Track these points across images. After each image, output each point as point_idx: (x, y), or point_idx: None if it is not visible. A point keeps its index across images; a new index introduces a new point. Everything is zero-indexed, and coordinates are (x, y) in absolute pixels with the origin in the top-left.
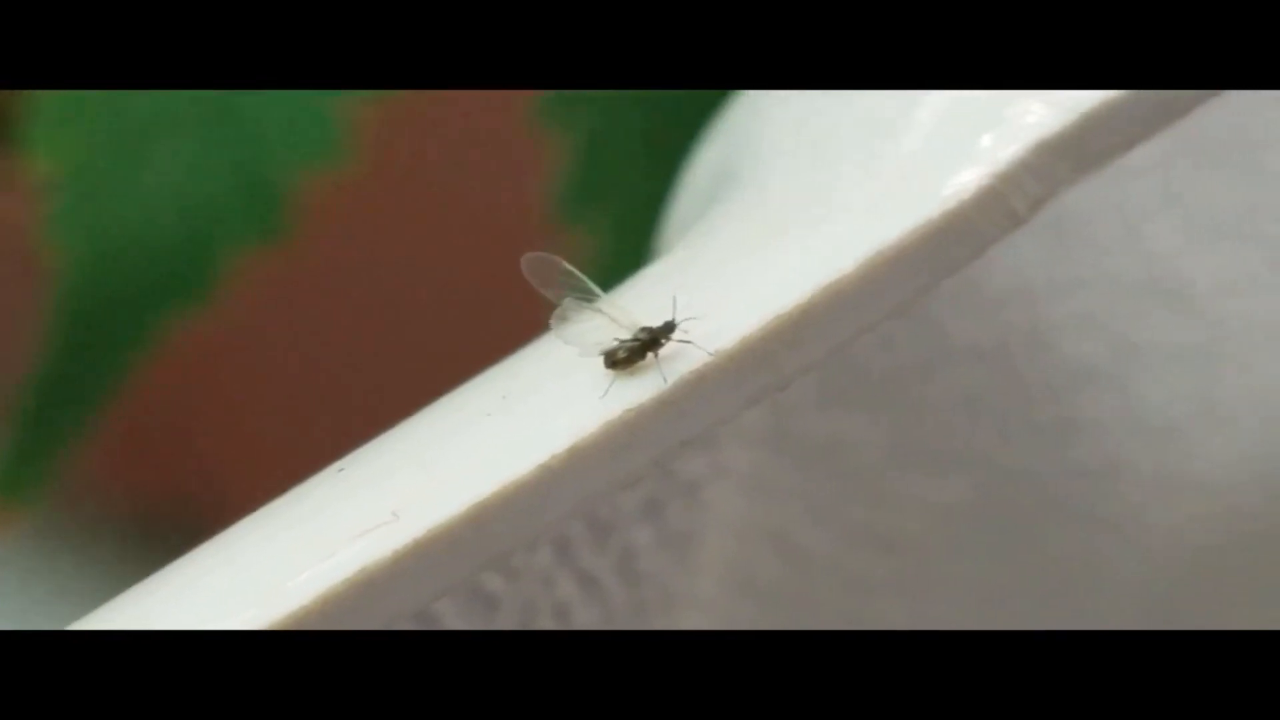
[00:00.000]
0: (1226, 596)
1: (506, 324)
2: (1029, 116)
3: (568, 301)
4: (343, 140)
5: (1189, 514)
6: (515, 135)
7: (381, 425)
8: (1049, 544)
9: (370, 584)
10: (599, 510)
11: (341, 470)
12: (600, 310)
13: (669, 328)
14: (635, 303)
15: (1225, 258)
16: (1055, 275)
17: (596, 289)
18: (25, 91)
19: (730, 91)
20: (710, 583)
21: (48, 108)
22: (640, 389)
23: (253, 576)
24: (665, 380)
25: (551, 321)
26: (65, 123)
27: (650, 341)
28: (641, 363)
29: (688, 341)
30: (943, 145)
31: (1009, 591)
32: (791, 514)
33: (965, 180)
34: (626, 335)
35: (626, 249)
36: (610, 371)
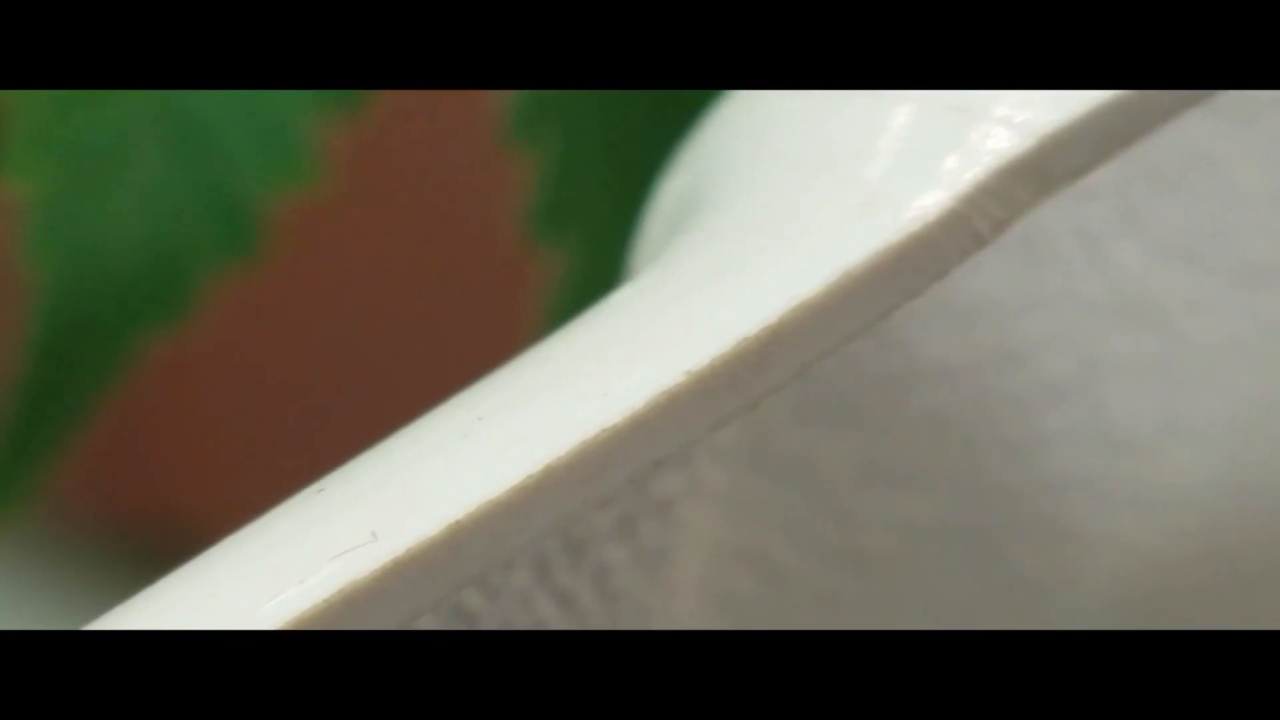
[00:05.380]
0: (1200, 609)
1: (481, 342)
2: (990, 141)
3: None
4: (313, 160)
5: (1160, 528)
6: (485, 156)
7: (356, 443)
8: (1019, 560)
9: (349, 604)
10: (574, 528)
11: (321, 491)
12: None
13: None
14: (594, 330)
15: (1190, 276)
16: (1023, 294)
17: None
18: (3, 113)
19: (698, 116)
20: (685, 600)
21: (19, 129)
22: (612, 409)
23: (230, 599)
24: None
25: None
26: (35, 145)
27: None
28: None
29: None
30: (905, 170)
31: (979, 608)
32: (765, 532)
33: (928, 204)
34: None
35: (598, 271)
36: None
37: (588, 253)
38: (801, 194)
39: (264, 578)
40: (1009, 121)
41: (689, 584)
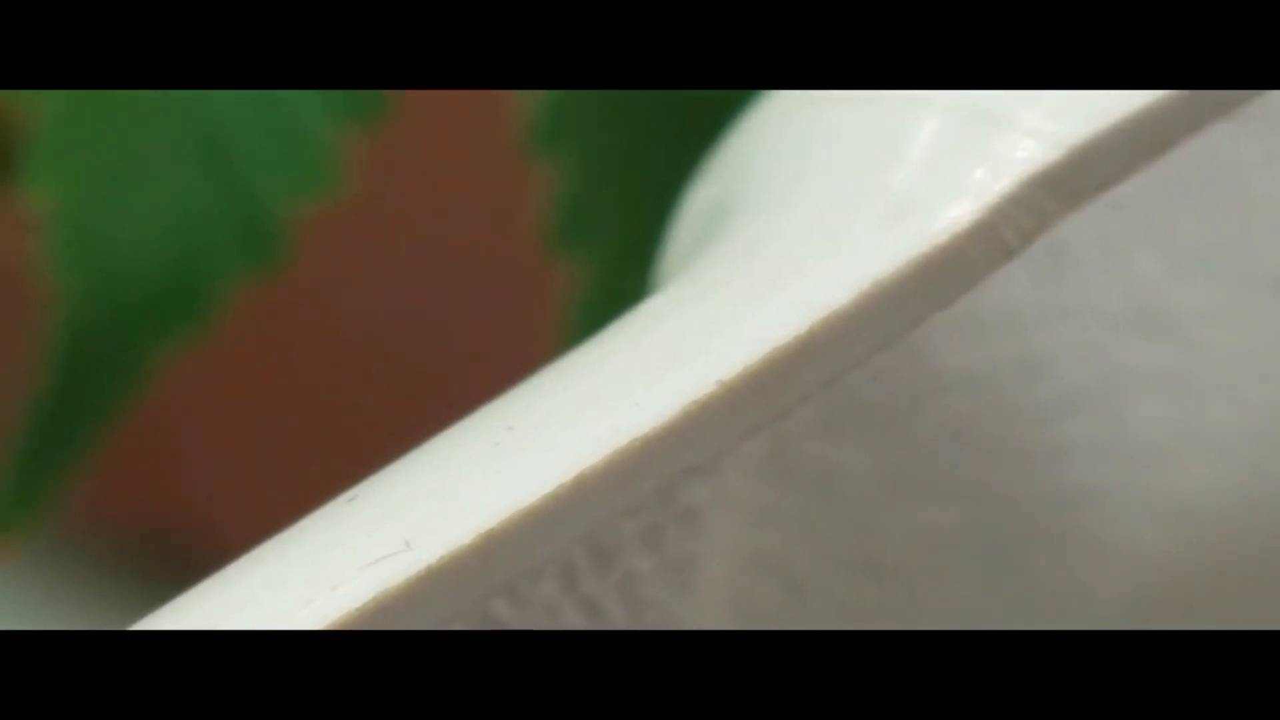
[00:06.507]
0: (1217, 618)
1: (501, 352)
2: (1019, 151)
3: None
4: (334, 170)
5: (1177, 537)
6: (506, 166)
7: (376, 452)
8: (1037, 569)
9: (383, 611)
10: (601, 537)
11: (354, 500)
12: None
13: None
14: (633, 340)
15: (1209, 286)
16: (1044, 305)
17: None
18: (24, 124)
19: (719, 127)
20: (709, 608)
21: (40, 140)
22: (643, 417)
23: (266, 605)
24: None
25: None
26: (56, 156)
27: None
28: None
29: None
30: (934, 180)
31: (996, 617)
32: (787, 542)
33: (957, 214)
34: None
35: (619, 281)
36: None
37: (609, 263)
38: (830, 205)
39: (298, 585)
40: (1038, 132)
41: (713, 592)
